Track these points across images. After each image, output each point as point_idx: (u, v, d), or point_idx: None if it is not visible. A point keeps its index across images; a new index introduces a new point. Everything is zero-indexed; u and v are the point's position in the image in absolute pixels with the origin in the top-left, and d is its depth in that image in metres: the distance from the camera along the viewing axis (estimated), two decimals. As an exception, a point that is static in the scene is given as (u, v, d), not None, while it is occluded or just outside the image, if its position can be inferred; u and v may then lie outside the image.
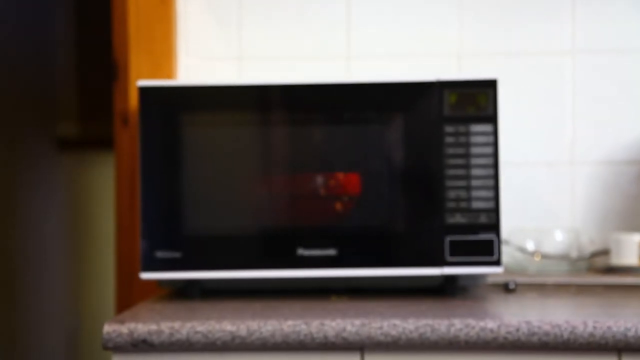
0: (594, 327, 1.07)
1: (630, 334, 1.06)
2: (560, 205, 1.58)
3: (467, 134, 1.28)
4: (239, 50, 1.61)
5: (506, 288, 1.38)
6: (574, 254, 1.52)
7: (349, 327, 1.09)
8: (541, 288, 1.41)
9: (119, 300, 1.59)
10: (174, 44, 1.59)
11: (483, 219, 1.28)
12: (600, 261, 1.52)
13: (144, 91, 1.29)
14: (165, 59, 1.58)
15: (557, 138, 1.59)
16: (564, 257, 1.51)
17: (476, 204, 1.28)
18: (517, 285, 1.40)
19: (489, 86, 1.28)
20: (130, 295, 1.57)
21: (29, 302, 2.72)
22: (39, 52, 2.80)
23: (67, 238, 2.88)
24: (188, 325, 1.09)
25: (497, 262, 1.28)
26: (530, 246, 1.53)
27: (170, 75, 1.57)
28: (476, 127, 1.28)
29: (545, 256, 1.52)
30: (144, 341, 1.09)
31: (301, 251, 1.28)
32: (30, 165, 2.76)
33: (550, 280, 1.44)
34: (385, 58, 1.60)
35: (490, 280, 1.40)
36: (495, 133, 1.28)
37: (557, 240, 1.53)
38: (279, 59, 1.60)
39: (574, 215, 1.58)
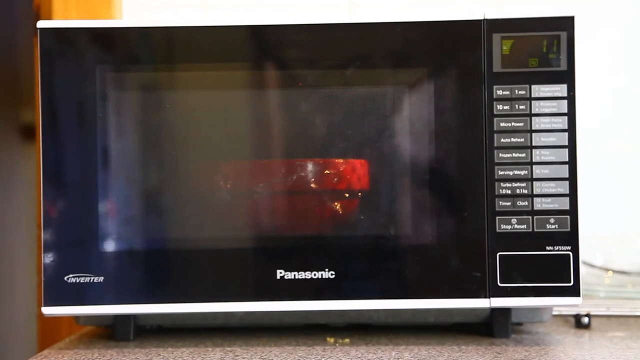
0: None
1: None
2: None
3: (528, 99, 0.86)
4: (204, -5, 1.20)
5: (577, 322, 0.97)
6: (663, 271, 1.11)
7: (352, 406, 0.68)
8: (622, 321, 1.00)
9: (42, 335, 1.18)
10: (115, -15, 1.18)
11: (552, 225, 0.86)
12: (701, 282, 1.11)
13: (47, 35, 0.87)
14: (102, 4, 1.16)
15: (634, 110, 1.17)
16: (648, 276, 1.11)
17: (542, 203, 0.86)
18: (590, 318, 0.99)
19: (562, 27, 0.86)
20: (56, 328, 1.16)
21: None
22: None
23: (34, 237, 2.56)
24: (92, 401, 0.68)
25: (575, 290, 0.86)
26: (598, 260, 1.12)
27: (109, 27, 1.15)
28: (542, 89, 0.86)
29: (620, 273, 1.11)
30: None
31: (282, 273, 0.87)
32: (-11, 156, 2.43)
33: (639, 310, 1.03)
34: (400, 5, 1.19)
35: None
36: (571, 98, 0.86)
37: (638, 251, 1.13)
38: (257, 7, 1.19)
39: (660, 217, 1.18)
